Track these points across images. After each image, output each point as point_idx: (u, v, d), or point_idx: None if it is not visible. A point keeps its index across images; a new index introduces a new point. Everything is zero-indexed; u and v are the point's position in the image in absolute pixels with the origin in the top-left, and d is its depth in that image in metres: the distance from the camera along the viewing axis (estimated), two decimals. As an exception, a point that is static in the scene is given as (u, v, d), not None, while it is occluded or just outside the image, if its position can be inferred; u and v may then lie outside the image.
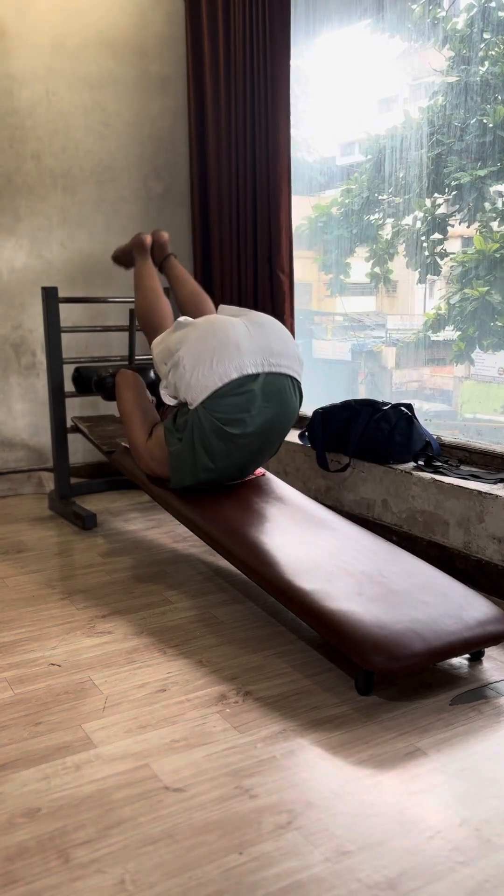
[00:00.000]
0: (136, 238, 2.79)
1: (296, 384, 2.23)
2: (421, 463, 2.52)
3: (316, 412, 2.75)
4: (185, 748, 1.47)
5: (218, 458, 2.17)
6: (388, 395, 3.39)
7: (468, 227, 2.86)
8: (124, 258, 2.89)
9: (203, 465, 2.18)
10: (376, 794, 1.33)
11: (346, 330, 3.68)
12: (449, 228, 2.95)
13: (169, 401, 2.23)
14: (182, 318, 2.28)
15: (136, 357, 3.16)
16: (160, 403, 2.71)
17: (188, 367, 2.10)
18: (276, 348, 2.17)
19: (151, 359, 3.20)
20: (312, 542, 2.04)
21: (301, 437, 2.90)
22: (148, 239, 2.78)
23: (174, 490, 2.30)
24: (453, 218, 2.92)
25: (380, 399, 2.73)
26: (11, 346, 3.32)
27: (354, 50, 3.20)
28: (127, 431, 2.47)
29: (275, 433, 2.23)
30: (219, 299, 3.46)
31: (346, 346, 3.64)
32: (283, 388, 2.18)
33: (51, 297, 2.89)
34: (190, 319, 2.26)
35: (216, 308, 2.57)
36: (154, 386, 2.79)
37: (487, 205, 2.77)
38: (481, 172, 2.71)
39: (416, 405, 2.71)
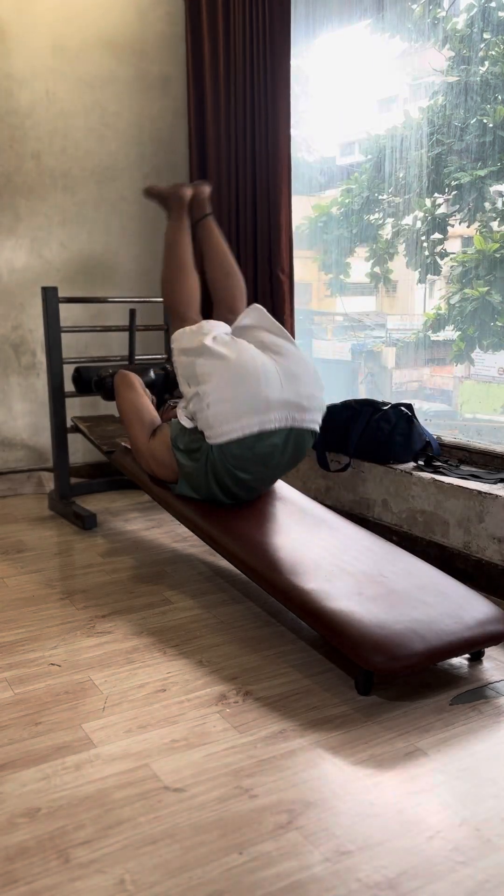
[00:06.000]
0: (175, 190, 2.48)
1: (314, 433, 2.18)
2: (421, 463, 2.52)
3: (316, 412, 2.75)
4: (185, 748, 1.47)
5: (229, 491, 2.17)
6: (388, 395, 3.39)
7: (468, 227, 2.86)
8: (158, 202, 2.62)
9: (214, 493, 2.18)
10: (376, 794, 1.33)
11: (346, 330, 3.68)
12: (449, 228, 2.95)
13: (186, 423, 2.16)
14: (210, 338, 2.11)
15: (137, 357, 3.16)
16: (160, 403, 2.71)
17: (211, 407, 2.02)
18: (304, 403, 2.09)
19: (152, 358, 3.21)
20: (312, 542, 2.04)
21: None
22: (188, 193, 2.47)
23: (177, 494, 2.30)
24: (453, 218, 2.92)
25: (380, 399, 2.73)
26: (11, 346, 3.32)
27: (354, 50, 3.20)
28: (128, 431, 2.47)
29: (287, 470, 2.24)
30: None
31: (346, 346, 3.64)
32: (302, 440, 2.15)
33: (51, 297, 2.89)
34: (220, 338, 2.12)
35: (247, 301, 2.45)
36: (153, 386, 2.79)
37: (487, 205, 2.77)
38: (481, 172, 2.71)
39: (416, 405, 2.71)
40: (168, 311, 2.41)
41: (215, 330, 2.18)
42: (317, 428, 2.17)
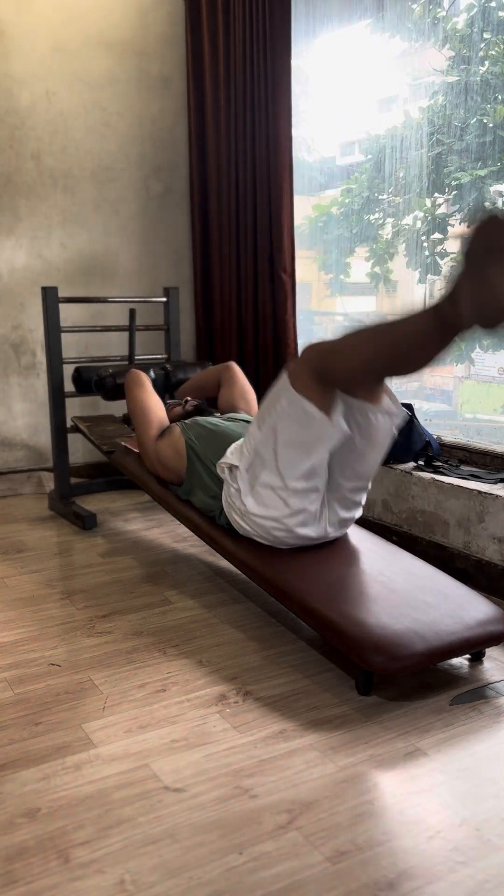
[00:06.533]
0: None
1: None
2: (421, 463, 2.52)
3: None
4: (185, 748, 1.47)
5: None
6: (388, 395, 3.38)
7: (468, 227, 2.86)
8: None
9: None
10: (376, 794, 1.33)
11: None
12: (449, 228, 2.95)
13: (219, 471, 2.04)
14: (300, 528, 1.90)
15: (136, 357, 3.16)
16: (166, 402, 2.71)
17: (253, 511, 1.91)
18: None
19: (152, 358, 3.21)
20: (312, 542, 2.04)
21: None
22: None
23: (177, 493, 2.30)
24: (453, 218, 2.92)
25: (380, 399, 2.72)
26: (11, 346, 3.32)
27: (354, 50, 3.19)
28: (136, 429, 2.47)
29: None
30: (218, 300, 3.46)
31: (346, 346, 3.63)
32: None
33: (51, 297, 2.89)
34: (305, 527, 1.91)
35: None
36: (155, 385, 2.79)
37: (488, 205, 2.77)
38: (481, 172, 2.71)
39: (416, 405, 2.71)
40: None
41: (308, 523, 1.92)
42: None
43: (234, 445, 2.05)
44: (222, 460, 2.03)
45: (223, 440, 2.16)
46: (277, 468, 1.82)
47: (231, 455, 2.00)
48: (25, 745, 1.49)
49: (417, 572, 1.92)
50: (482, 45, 2.66)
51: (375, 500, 2.61)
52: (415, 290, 3.25)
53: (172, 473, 2.29)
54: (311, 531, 1.93)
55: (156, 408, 2.48)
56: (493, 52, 2.63)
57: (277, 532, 1.91)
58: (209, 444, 2.18)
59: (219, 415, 2.49)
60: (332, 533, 2.00)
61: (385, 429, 1.83)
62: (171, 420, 2.53)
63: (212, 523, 2.12)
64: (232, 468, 1.97)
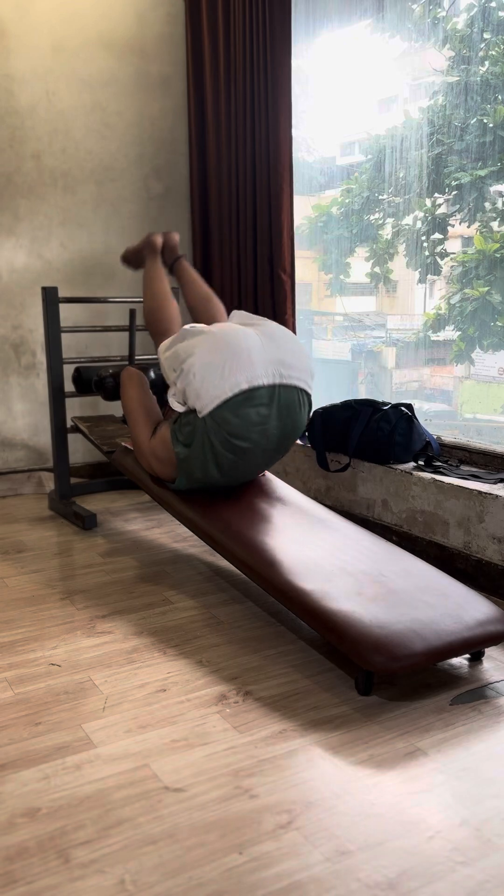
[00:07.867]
0: (147, 238, 2.78)
1: (306, 397, 2.20)
2: (421, 463, 2.52)
3: (316, 412, 2.75)
4: (185, 748, 1.47)
5: (226, 469, 2.16)
6: (388, 395, 3.39)
7: (468, 227, 2.86)
8: (134, 259, 2.88)
9: (211, 475, 2.17)
10: (376, 794, 1.33)
11: (346, 330, 3.68)
12: (449, 228, 2.95)
13: (177, 407, 2.19)
14: (190, 326, 2.24)
15: (137, 357, 3.16)
16: (164, 402, 2.71)
17: (198, 375, 2.07)
18: (289, 360, 2.14)
19: (152, 358, 3.21)
20: (312, 542, 2.04)
21: (301, 436, 2.90)
22: (159, 240, 2.77)
23: (176, 491, 2.30)
24: (453, 218, 2.92)
25: (380, 399, 2.73)
26: (11, 346, 3.32)
27: (354, 50, 3.20)
28: (131, 429, 2.48)
29: (282, 444, 2.22)
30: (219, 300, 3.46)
31: (346, 346, 3.64)
32: (293, 401, 2.15)
33: (51, 297, 2.89)
34: (200, 326, 2.23)
35: (228, 314, 2.52)
36: (153, 386, 2.79)
37: (488, 205, 2.77)
38: (481, 172, 2.71)
39: (416, 405, 2.71)
40: (154, 336, 2.55)
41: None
42: (306, 388, 2.19)
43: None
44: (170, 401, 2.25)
45: None
46: (186, 342, 2.15)
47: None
48: (25, 745, 1.49)
49: (417, 572, 1.92)
50: (482, 45, 2.66)
51: (375, 500, 2.61)
52: (415, 290, 3.25)
53: (169, 468, 2.29)
54: (243, 378, 2.06)
55: (151, 406, 2.49)
56: (494, 52, 2.64)
57: (217, 396, 2.05)
58: None
59: None
60: (272, 351, 2.13)
61: (239, 318, 2.32)
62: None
63: (211, 523, 2.12)
64: (174, 394, 2.19)
